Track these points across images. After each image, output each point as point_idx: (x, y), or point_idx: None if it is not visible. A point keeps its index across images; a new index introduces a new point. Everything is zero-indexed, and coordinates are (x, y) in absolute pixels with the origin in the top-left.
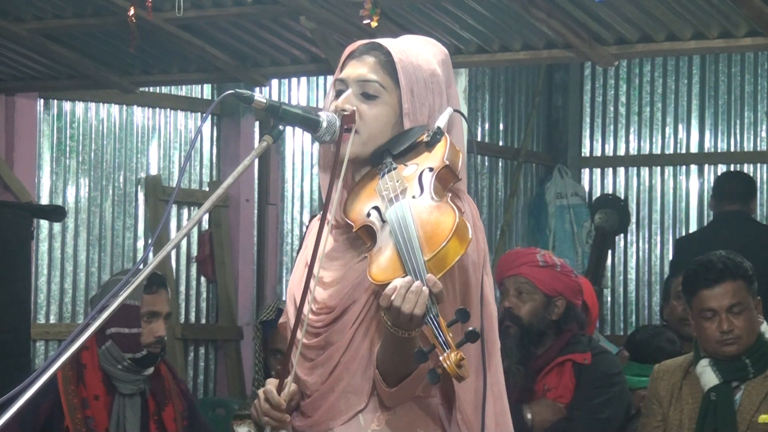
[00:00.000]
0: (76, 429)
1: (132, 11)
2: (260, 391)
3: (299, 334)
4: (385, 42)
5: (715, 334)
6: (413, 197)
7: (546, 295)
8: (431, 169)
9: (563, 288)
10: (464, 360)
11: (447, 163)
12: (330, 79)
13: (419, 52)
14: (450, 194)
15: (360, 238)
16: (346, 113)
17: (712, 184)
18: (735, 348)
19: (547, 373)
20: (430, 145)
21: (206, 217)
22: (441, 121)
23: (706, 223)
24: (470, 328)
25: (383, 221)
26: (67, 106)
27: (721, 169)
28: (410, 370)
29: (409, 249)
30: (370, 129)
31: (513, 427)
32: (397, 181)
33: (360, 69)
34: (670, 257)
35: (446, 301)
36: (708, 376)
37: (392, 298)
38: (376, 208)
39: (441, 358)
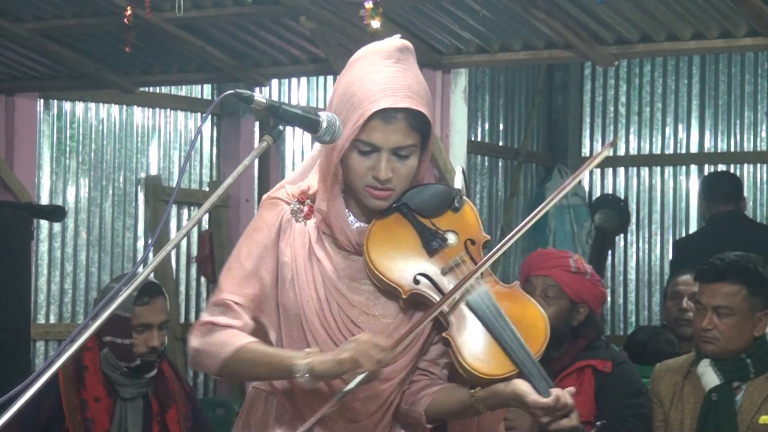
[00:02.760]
0: (76, 430)
1: (129, 11)
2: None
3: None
4: (413, 99)
5: (698, 328)
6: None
7: (572, 301)
8: (473, 242)
9: (589, 296)
10: None
11: (488, 237)
12: (330, 79)
13: (425, 87)
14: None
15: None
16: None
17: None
18: (711, 348)
19: (565, 377)
20: (456, 210)
21: (206, 217)
22: (458, 183)
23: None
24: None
25: (458, 304)
26: (67, 106)
27: (722, 169)
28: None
29: (519, 347)
30: (404, 184)
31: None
32: (462, 261)
33: (394, 136)
34: (670, 257)
35: None
36: (709, 376)
37: (544, 415)
38: (426, 276)
39: None
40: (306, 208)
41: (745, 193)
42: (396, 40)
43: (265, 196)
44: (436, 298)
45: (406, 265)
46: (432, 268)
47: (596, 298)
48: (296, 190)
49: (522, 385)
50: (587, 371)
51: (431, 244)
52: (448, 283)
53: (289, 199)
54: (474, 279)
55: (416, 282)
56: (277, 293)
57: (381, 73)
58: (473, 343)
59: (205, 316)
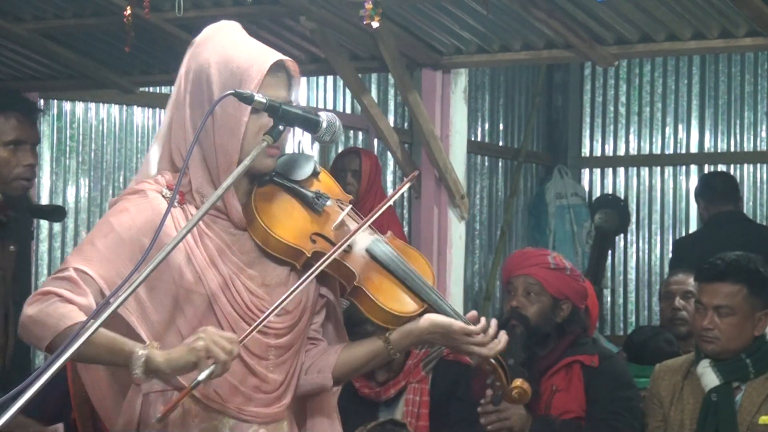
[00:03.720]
0: (83, 422)
1: (128, 11)
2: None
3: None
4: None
5: (699, 328)
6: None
7: (553, 298)
8: (341, 202)
9: (571, 292)
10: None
11: (350, 197)
12: (330, 79)
13: None
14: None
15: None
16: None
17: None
18: (711, 347)
19: (554, 374)
20: (316, 175)
21: None
22: (308, 148)
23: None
24: (510, 362)
25: (361, 254)
26: (67, 106)
27: (722, 169)
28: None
29: (424, 286)
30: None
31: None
32: (347, 216)
33: (283, 91)
34: (670, 257)
35: None
36: (709, 376)
37: (470, 340)
38: (320, 235)
39: (517, 384)
40: (178, 196)
41: (745, 193)
42: (224, 21)
43: (119, 196)
44: (337, 254)
45: (300, 228)
46: (322, 226)
47: (578, 293)
48: (161, 180)
49: (439, 318)
50: (575, 367)
51: (314, 206)
52: (341, 238)
53: (160, 188)
54: (368, 231)
55: (313, 242)
56: (173, 280)
57: (246, 41)
58: (384, 287)
59: (46, 285)
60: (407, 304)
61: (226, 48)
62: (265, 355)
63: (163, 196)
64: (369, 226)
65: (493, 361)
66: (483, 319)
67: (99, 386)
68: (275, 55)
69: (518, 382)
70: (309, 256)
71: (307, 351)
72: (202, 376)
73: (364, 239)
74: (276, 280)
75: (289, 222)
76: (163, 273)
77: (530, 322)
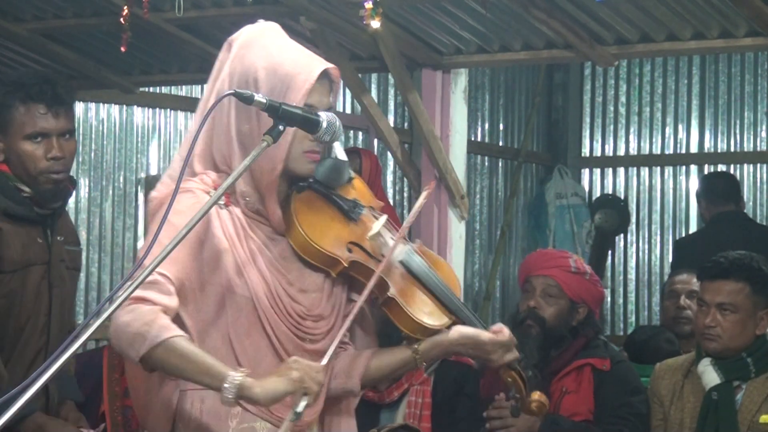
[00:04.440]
0: (113, 416)
1: (125, 11)
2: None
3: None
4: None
5: (701, 325)
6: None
7: (571, 301)
8: (373, 209)
9: (588, 296)
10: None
11: (382, 203)
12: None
13: None
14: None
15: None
16: None
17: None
18: (714, 345)
19: (564, 375)
20: (350, 181)
21: None
22: (341, 153)
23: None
24: (529, 374)
25: (395, 265)
26: None
27: (721, 169)
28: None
29: (453, 298)
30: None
31: None
32: (383, 227)
33: (326, 97)
34: (670, 257)
35: None
36: (709, 375)
37: (497, 351)
38: (356, 244)
39: (536, 398)
40: (224, 196)
41: (745, 193)
42: (266, 23)
43: (167, 191)
44: (371, 263)
45: (338, 236)
46: (358, 235)
47: (595, 298)
48: (207, 180)
49: (468, 330)
50: (586, 369)
51: (350, 214)
52: (375, 247)
53: (207, 188)
54: (401, 240)
55: (349, 251)
56: (220, 282)
57: (291, 45)
58: (416, 299)
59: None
60: (438, 316)
61: (273, 53)
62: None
63: (210, 195)
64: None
65: (513, 372)
66: (506, 329)
67: (136, 375)
68: (321, 64)
69: (536, 395)
70: (346, 265)
71: (336, 355)
72: (301, 408)
73: (397, 250)
74: (312, 286)
75: (327, 230)
76: (214, 274)
77: (546, 324)
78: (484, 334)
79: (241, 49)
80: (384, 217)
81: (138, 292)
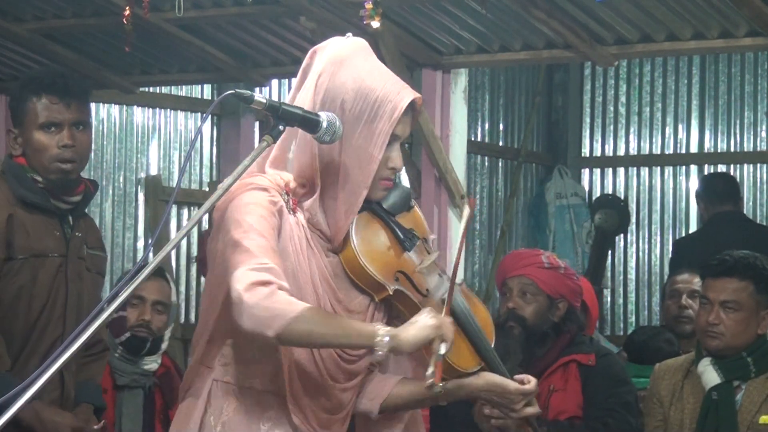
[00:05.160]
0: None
1: (127, 11)
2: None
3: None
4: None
5: (704, 323)
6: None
7: (549, 297)
8: (426, 241)
9: (565, 290)
10: None
11: (434, 236)
12: None
13: None
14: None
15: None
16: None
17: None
18: (716, 343)
19: (551, 373)
20: (410, 209)
21: (206, 217)
22: (407, 181)
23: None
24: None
25: (438, 302)
26: None
27: (721, 169)
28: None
29: (486, 344)
30: None
31: None
32: (432, 260)
33: (409, 127)
34: (670, 257)
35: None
36: (709, 375)
37: (521, 402)
38: (404, 273)
39: None
40: (291, 201)
41: (745, 193)
42: (356, 39)
43: (239, 184)
44: (415, 296)
45: (388, 263)
46: (408, 265)
47: (573, 291)
48: (281, 182)
49: (495, 378)
50: (572, 366)
51: (405, 242)
52: (422, 280)
53: (279, 189)
54: (445, 277)
55: (396, 279)
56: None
57: (381, 69)
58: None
59: (252, 277)
60: (468, 360)
61: (363, 75)
62: (336, 377)
63: (284, 200)
64: (442, 268)
65: (530, 429)
66: (533, 381)
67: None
68: (410, 94)
69: None
70: (390, 293)
71: (369, 375)
72: (443, 350)
73: (442, 287)
74: (358, 307)
75: (379, 254)
76: (295, 276)
77: (527, 323)
78: (511, 384)
79: (332, 65)
80: (436, 253)
81: (257, 276)
